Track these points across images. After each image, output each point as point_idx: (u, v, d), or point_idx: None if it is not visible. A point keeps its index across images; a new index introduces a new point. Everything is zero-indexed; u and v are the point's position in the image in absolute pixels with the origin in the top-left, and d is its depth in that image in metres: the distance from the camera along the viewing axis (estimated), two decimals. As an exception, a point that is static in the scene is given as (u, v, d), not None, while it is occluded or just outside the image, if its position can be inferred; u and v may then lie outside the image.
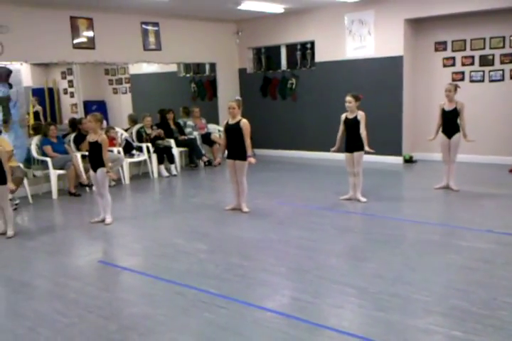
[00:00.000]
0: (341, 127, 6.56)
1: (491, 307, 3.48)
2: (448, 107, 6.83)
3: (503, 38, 8.72)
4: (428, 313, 3.45)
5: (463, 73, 9.22)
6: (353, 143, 6.45)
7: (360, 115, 6.34)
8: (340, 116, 6.58)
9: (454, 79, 9.22)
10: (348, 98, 6.38)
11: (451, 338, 3.12)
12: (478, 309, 3.46)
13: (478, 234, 5.11)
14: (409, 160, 9.54)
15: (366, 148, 6.32)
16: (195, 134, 10.06)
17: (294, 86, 10.77)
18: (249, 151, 6.10)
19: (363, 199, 6.55)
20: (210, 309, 3.64)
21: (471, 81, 9.15)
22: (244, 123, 6.05)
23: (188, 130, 10.05)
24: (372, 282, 4.02)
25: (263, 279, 4.19)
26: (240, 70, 11.55)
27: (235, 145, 6.14)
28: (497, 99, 8.87)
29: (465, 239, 5.02)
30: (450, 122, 6.84)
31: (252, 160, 6.08)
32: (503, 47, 8.75)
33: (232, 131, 6.11)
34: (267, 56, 11.46)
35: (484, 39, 8.90)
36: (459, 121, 6.79)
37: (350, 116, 6.43)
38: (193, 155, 9.94)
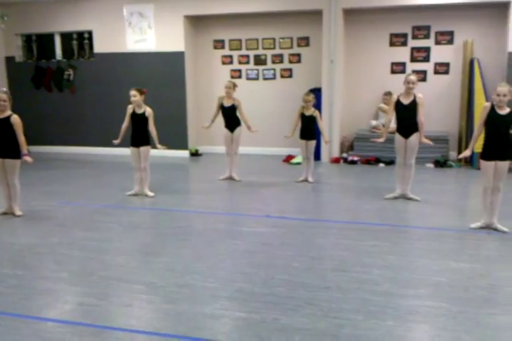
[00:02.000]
0: (127, 121, 6.38)
1: (269, 286, 3.73)
2: (226, 103, 7.19)
3: (274, 39, 9.54)
4: (215, 299, 3.54)
5: (240, 71, 9.81)
6: (139, 139, 6.33)
7: (148, 112, 6.28)
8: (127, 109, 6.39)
9: (232, 77, 9.76)
10: (133, 92, 6.24)
11: (236, 319, 3.25)
12: (259, 289, 3.69)
13: (258, 220, 5.48)
14: (195, 154, 9.80)
15: (157, 145, 6.30)
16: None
17: (71, 77, 10.09)
18: (23, 149, 5.42)
19: (150, 194, 6.47)
20: (-26, 329, 3.14)
21: (248, 79, 9.80)
22: (15, 118, 5.39)
23: None
24: (162, 276, 3.97)
25: (42, 287, 3.80)
26: (7, 58, 10.36)
27: (3, 143, 5.42)
28: (270, 95, 9.66)
29: (247, 225, 5.33)
30: (228, 118, 7.26)
31: (28, 158, 5.39)
32: (274, 48, 9.57)
33: None
34: (38, 44, 10.50)
35: (257, 40, 9.61)
36: (238, 115, 7.23)
37: (139, 111, 6.29)
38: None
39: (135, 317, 3.32)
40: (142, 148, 6.32)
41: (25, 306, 3.49)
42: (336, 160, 8.96)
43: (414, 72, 8.94)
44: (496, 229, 4.90)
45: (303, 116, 7.07)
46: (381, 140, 6.09)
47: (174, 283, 3.82)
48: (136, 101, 6.24)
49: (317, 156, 9.10)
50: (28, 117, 10.28)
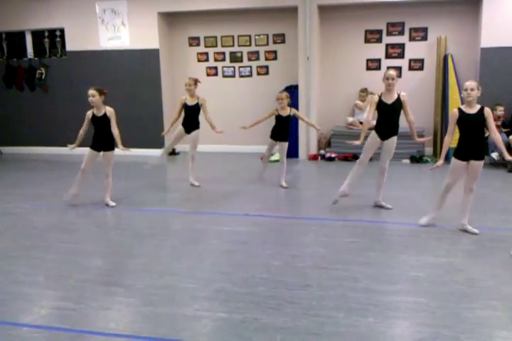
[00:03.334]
0: (85, 126, 5.84)
1: (250, 285, 3.71)
2: (190, 102, 6.65)
3: (250, 36, 9.49)
4: (195, 300, 3.49)
5: (216, 68, 9.74)
6: (103, 143, 5.78)
7: (110, 112, 5.68)
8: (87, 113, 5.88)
9: (208, 74, 9.70)
10: (92, 91, 5.60)
11: (217, 320, 3.21)
12: (239, 288, 3.65)
13: (237, 219, 5.44)
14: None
15: (120, 147, 5.68)
16: None
17: (43, 76, 9.87)
18: None
19: (112, 204, 5.94)
20: None
21: (224, 76, 9.74)
22: None
23: None
24: (140, 278, 3.91)
25: (16, 292, 3.69)
26: (-24, 58, 10.09)
27: None
28: (247, 93, 9.61)
29: (226, 224, 5.28)
30: (190, 117, 6.71)
31: None
32: (250, 45, 9.52)
33: None
34: (9, 42, 10.23)
35: (233, 37, 9.55)
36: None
37: (99, 113, 5.71)
38: None
39: (114, 321, 3.26)
40: (106, 153, 5.83)
41: (1, 312, 3.40)
42: (314, 157, 8.98)
43: (390, 68, 9.01)
44: (466, 231, 4.75)
45: (279, 118, 6.55)
46: (358, 142, 5.44)
47: (153, 284, 3.77)
48: (95, 102, 5.64)
49: (295, 153, 9.10)
50: (-1, 117, 10.12)
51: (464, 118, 4.58)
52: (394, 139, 5.44)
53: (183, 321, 3.22)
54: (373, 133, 5.44)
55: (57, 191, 6.91)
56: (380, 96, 5.36)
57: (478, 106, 4.60)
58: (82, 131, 5.89)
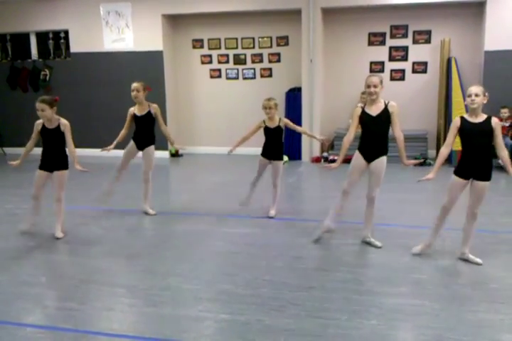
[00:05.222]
0: (32, 141, 4.93)
1: (253, 287, 3.71)
2: (139, 112, 5.50)
3: (253, 38, 9.51)
4: (198, 301, 3.50)
5: (220, 70, 9.76)
6: (54, 162, 4.85)
7: (64, 125, 4.79)
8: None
9: (212, 76, 9.74)
10: (40, 105, 4.67)
11: (220, 321, 3.22)
12: (242, 290, 3.66)
13: (241, 220, 5.45)
14: (175, 154, 9.72)
15: (77, 166, 4.84)
16: None
17: (47, 77, 9.92)
18: None
19: (60, 235, 4.92)
20: (-50, 337, 3.05)
21: (228, 78, 9.76)
22: None
23: None
24: (144, 279, 3.92)
25: (21, 292, 3.71)
26: (-18, 59, 10.14)
27: None
28: (250, 95, 9.61)
29: (229, 226, 5.29)
30: (141, 130, 5.56)
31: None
32: (253, 47, 9.54)
33: None
34: (13, 44, 10.28)
35: (237, 39, 9.57)
36: None
37: (50, 126, 4.79)
38: None
39: (117, 321, 3.27)
40: (58, 173, 4.85)
41: (4, 312, 3.41)
42: (317, 160, 8.98)
43: (393, 71, 9.06)
44: (467, 260, 4.11)
45: (267, 131, 5.42)
46: (335, 166, 4.56)
47: (156, 285, 3.78)
48: (46, 116, 4.72)
49: (298, 156, 9.12)
50: (4, 118, 10.15)
51: (467, 129, 3.92)
52: (383, 160, 4.38)
53: (186, 322, 3.22)
54: (357, 153, 4.47)
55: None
56: (363, 108, 4.42)
57: (484, 116, 3.94)
58: (27, 148, 4.95)
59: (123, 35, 9.39)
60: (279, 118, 5.43)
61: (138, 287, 3.76)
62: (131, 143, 5.64)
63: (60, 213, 4.96)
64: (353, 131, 4.47)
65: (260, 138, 5.52)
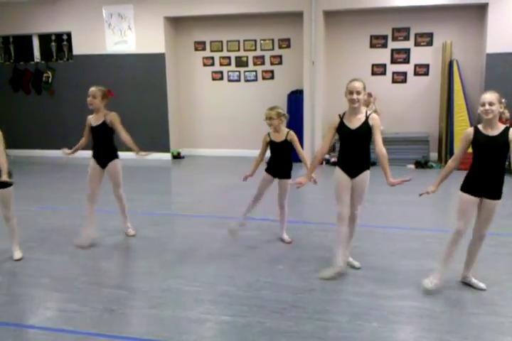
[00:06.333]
0: None
1: (254, 289, 3.72)
2: (95, 121, 4.78)
3: (255, 41, 9.52)
4: (199, 303, 3.51)
5: (221, 73, 9.78)
6: None
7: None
8: None
9: (214, 79, 9.76)
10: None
11: (220, 323, 3.23)
12: (243, 292, 3.67)
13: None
14: (177, 156, 9.73)
15: (3, 176, 4.25)
16: None
17: (50, 79, 9.96)
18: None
19: (18, 256, 4.41)
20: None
21: (229, 80, 9.77)
22: None
23: None
24: (144, 281, 3.93)
25: (23, 294, 3.73)
26: (-15, 61, 10.19)
27: None
28: (252, 97, 9.63)
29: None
30: (99, 143, 4.82)
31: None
32: (255, 49, 9.56)
33: None
34: (16, 46, 10.33)
35: (239, 41, 9.59)
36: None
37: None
38: None
39: (118, 323, 3.28)
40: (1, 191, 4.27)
41: (6, 313, 3.42)
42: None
43: (395, 73, 9.07)
44: (470, 285, 3.75)
45: (272, 145, 4.69)
46: (303, 182, 4.16)
47: (157, 287, 3.78)
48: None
49: (299, 158, 9.09)
50: (6, 120, 10.17)
51: (481, 142, 3.47)
52: (366, 175, 3.94)
53: (187, 324, 3.23)
54: (337, 169, 4.05)
55: (64, 193, 6.96)
56: (341, 118, 3.94)
57: (501, 127, 3.47)
58: None
59: (125, 37, 9.42)
60: (287, 132, 4.65)
61: (139, 289, 3.77)
62: (92, 162, 4.80)
63: (14, 231, 4.48)
64: (327, 143, 4.06)
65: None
